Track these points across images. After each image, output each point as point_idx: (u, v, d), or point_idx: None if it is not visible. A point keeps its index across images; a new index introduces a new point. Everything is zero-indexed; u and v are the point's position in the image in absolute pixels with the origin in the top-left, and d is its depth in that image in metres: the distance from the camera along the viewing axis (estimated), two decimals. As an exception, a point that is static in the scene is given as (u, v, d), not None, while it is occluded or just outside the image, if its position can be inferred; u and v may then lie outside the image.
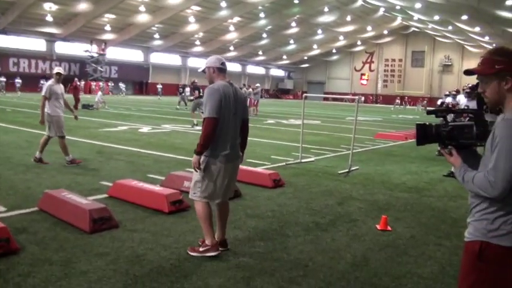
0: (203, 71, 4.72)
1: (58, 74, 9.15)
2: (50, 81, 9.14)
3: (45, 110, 9.01)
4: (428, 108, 51.34)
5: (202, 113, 4.55)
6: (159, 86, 52.09)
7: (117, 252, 4.57)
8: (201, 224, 4.60)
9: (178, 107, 30.62)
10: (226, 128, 4.46)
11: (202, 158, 4.46)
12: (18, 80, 42.81)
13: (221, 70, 4.66)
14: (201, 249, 4.53)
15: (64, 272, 4.06)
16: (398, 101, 59.39)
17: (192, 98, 25.97)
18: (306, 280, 4.09)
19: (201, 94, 19.19)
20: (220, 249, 4.59)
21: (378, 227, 5.70)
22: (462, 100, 11.21)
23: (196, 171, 4.54)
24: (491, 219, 2.28)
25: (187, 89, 33.23)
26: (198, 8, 49.73)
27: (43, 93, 9.01)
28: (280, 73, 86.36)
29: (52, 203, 5.79)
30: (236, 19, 54.72)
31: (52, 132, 9.03)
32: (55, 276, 3.97)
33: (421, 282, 4.20)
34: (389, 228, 5.67)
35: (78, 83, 29.44)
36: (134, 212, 5.96)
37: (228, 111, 4.45)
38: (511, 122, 2.19)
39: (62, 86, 9.31)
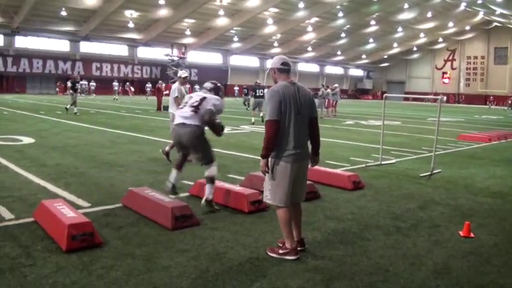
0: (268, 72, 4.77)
1: (185, 77, 10.15)
2: (177, 84, 9.97)
3: (169, 109, 9.91)
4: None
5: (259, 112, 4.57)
6: (236, 88, 52.89)
7: (198, 249, 4.69)
8: (281, 227, 4.61)
9: (248, 108, 30.70)
10: (288, 128, 4.43)
11: (269, 160, 4.48)
12: (92, 83, 45.75)
13: (282, 70, 4.64)
14: (280, 251, 4.55)
15: (146, 266, 4.21)
16: (510, 101, 54.17)
17: (249, 98, 26.61)
18: (386, 286, 4.00)
19: (257, 94, 20.93)
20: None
21: (461, 233, 5.47)
22: None
23: (265, 175, 4.58)
24: None
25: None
26: (276, 10, 50.02)
27: (176, 94, 9.76)
28: (359, 73, 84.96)
29: (135, 200, 6.03)
30: (314, 19, 54.53)
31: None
32: (137, 270, 4.13)
33: (504, 293, 4.00)
34: (472, 235, 5.42)
35: (162, 85, 30.39)
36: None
37: (290, 112, 4.41)
38: None
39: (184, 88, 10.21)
